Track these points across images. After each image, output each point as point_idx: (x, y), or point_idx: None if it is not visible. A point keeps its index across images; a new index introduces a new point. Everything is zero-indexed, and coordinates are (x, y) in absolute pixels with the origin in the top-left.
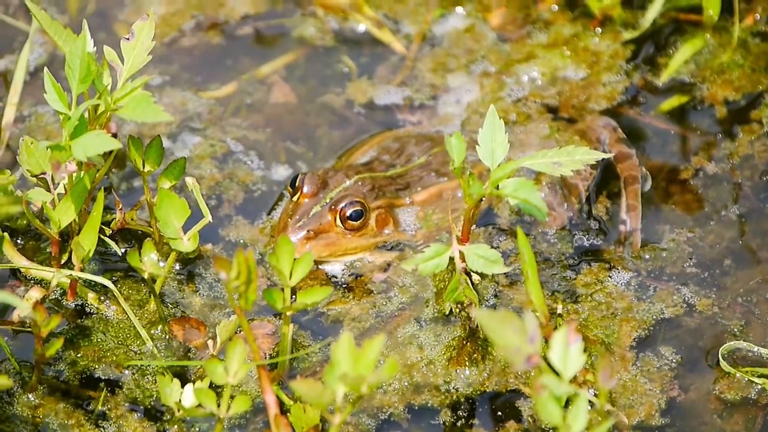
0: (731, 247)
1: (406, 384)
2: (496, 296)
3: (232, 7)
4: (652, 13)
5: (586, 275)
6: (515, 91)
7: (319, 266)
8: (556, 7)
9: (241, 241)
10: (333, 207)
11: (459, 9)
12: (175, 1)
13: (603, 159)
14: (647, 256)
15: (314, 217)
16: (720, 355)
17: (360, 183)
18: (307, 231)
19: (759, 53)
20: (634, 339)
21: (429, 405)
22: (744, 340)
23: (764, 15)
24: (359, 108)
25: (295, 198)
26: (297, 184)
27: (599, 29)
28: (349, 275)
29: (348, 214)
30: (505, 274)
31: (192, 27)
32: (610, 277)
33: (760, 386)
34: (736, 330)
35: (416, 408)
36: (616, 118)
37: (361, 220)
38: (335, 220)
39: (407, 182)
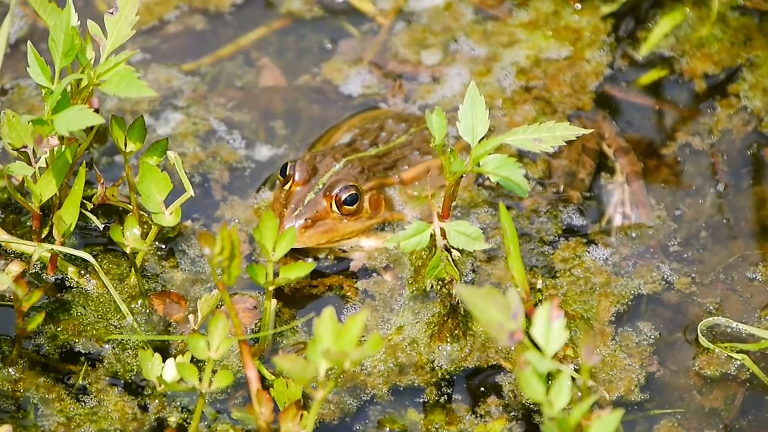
0: (710, 223)
1: (391, 365)
2: (474, 272)
3: None
4: None
5: (563, 250)
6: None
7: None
8: None
9: (236, 220)
10: (327, 193)
11: None
12: None
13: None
14: (634, 234)
15: (309, 205)
16: (699, 331)
17: (350, 166)
18: (305, 219)
19: (738, 27)
20: (613, 314)
21: (415, 384)
22: (722, 316)
23: None
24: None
25: (286, 186)
26: (288, 172)
27: (578, 5)
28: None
29: (343, 198)
30: (483, 249)
31: (177, 15)
32: (588, 252)
33: (738, 362)
34: (712, 307)
35: (401, 388)
36: (598, 95)
37: (356, 204)
38: (331, 206)
39: (394, 161)
